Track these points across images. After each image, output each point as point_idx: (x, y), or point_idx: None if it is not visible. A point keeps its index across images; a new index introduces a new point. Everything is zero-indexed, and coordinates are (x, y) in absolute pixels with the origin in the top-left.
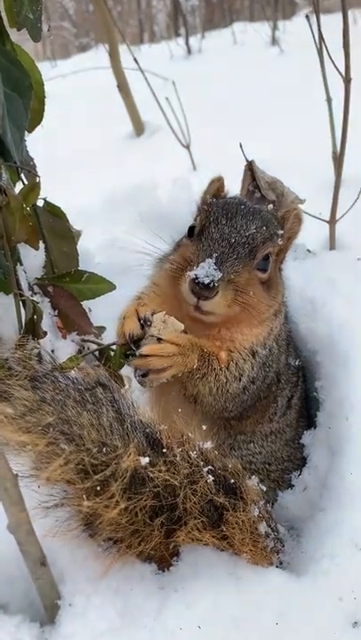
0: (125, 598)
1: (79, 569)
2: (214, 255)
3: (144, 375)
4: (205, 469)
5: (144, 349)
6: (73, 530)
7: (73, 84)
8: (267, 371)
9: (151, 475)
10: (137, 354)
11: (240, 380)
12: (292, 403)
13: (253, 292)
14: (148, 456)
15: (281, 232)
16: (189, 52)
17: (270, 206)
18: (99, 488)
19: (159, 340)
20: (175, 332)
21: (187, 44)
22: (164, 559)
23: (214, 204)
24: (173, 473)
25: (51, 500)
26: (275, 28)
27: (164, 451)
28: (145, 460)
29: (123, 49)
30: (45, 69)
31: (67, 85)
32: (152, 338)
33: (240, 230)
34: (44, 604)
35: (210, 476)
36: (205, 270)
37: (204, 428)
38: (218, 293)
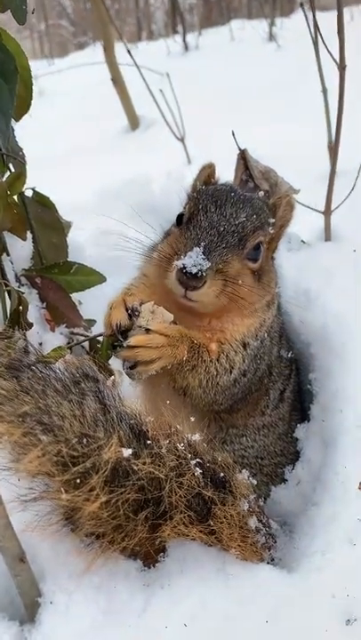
0: (109, 595)
1: (60, 565)
2: (202, 244)
3: (132, 367)
4: (193, 462)
5: (132, 340)
6: (53, 524)
7: (69, 80)
8: (258, 363)
9: (135, 467)
10: (124, 345)
11: (231, 372)
12: (285, 396)
13: (243, 283)
14: (133, 448)
15: (272, 220)
16: (186, 48)
17: (261, 193)
18: (78, 480)
19: (147, 330)
20: (164, 323)
21: (184, 40)
22: (149, 555)
23: (203, 191)
24: (159, 465)
25: (30, 493)
26: (272, 23)
27: (149, 442)
28: (128, 452)
29: (119, 45)
30: (43, 67)
31: (63, 81)
32: (140, 328)
33: (229, 218)
34: (23, 602)
35: (197, 468)
36: (193, 260)
37: (192, 420)
38: (206, 283)
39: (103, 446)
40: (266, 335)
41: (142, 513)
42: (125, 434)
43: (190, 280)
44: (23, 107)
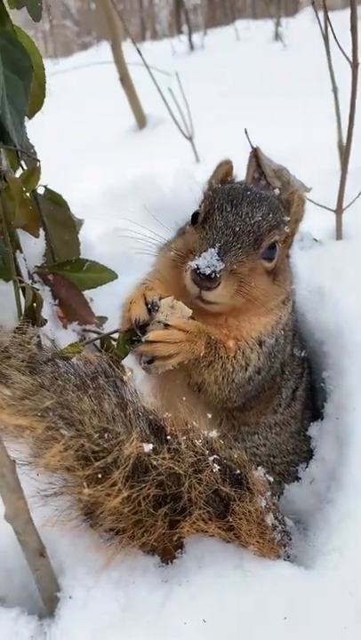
0: (127, 591)
1: (80, 560)
2: (217, 245)
3: (149, 362)
4: (211, 458)
5: (150, 335)
6: (73, 519)
7: (75, 80)
8: (272, 361)
9: (155, 462)
10: (143, 340)
11: (246, 369)
12: (297, 394)
13: (258, 283)
14: (152, 443)
15: (288, 219)
16: (192, 47)
17: (277, 191)
18: (100, 475)
19: (166, 325)
20: (183, 319)
21: (189, 39)
22: (167, 551)
23: (219, 190)
24: (178, 461)
25: (50, 488)
26: (278, 23)
27: (168, 438)
28: (148, 447)
29: (125, 44)
30: (48, 67)
31: (69, 81)
32: (159, 323)
33: (245, 218)
34: (42, 597)
35: (215, 465)
36: (207, 260)
37: (209, 417)
38: (220, 284)
39: (124, 441)
40: (281, 333)
41: (162, 509)
42: (143, 429)
43: (204, 281)
44: (37, 104)
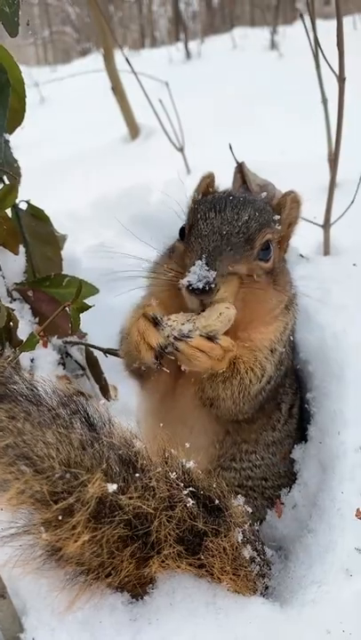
0: (94, 632)
1: (43, 600)
2: (204, 255)
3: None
4: (186, 492)
5: (194, 341)
6: (36, 558)
7: (71, 88)
8: (281, 369)
9: (121, 502)
10: (176, 347)
11: (261, 380)
12: (293, 412)
13: (260, 284)
14: (120, 480)
15: (277, 217)
16: (188, 55)
17: (264, 194)
18: (60, 518)
19: (210, 337)
20: (228, 339)
21: (186, 47)
22: (137, 586)
23: (201, 200)
24: (147, 499)
25: (10, 527)
26: (274, 31)
27: (137, 475)
28: (113, 487)
29: (123, 52)
30: (46, 74)
31: (65, 89)
32: (199, 332)
33: (231, 221)
34: (5, 638)
35: (190, 499)
36: (198, 274)
37: (205, 436)
38: (219, 290)
39: (86, 482)
40: (287, 340)
41: (129, 548)
42: (113, 465)
43: (200, 295)
44: (17, 119)
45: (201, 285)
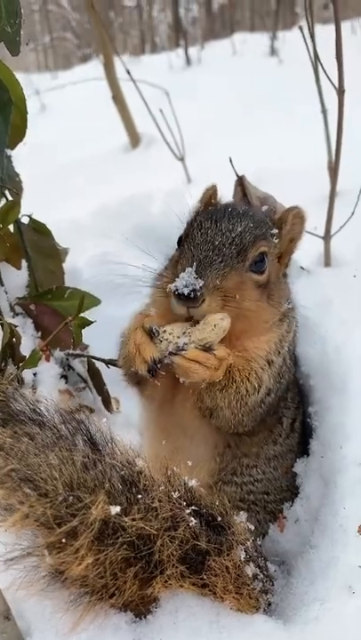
0: None
1: (48, 621)
2: (194, 263)
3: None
4: (188, 511)
5: (190, 354)
6: (40, 580)
7: (71, 95)
8: (281, 382)
9: (124, 524)
10: (171, 360)
11: (259, 391)
12: (295, 426)
13: (246, 296)
14: (123, 501)
15: (276, 231)
16: (188, 62)
17: (265, 207)
18: (64, 541)
19: (205, 347)
20: (224, 347)
21: (186, 54)
22: (141, 605)
23: (201, 211)
24: (150, 520)
25: (14, 549)
26: (274, 37)
27: (139, 497)
28: (115, 509)
29: (123, 59)
30: (46, 81)
31: (65, 96)
32: (194, 343)
33: (225, 232)
34: None
35: (193, 518)
36: (185, 280)
37: (206, 447)
38: (205, 301)
39: (90, 504)
40: (287, 352)
41: (132, 569)
42: (115, 485)
43: (186, 301)
44: (18, 135)
45: (186, 292)
